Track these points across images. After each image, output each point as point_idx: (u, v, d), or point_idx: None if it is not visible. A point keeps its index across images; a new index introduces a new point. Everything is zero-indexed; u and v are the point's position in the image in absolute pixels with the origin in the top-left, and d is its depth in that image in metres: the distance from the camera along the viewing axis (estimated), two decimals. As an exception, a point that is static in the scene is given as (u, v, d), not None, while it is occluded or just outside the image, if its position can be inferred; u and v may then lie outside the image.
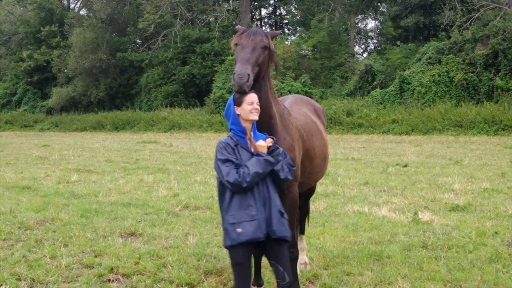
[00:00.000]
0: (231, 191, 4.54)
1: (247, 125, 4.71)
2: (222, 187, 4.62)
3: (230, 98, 4.76)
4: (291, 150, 5.17)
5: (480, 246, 7.16)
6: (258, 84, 4.90)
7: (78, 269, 6.42)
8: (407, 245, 7.27)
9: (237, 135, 4.70)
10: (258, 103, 4.72)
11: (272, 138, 4.72)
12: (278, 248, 4.57)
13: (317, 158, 5.83)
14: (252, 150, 4.65)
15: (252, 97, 4.68)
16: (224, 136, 4.88)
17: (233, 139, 4.67)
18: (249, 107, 4.64)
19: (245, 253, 4.48)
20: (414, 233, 7.94)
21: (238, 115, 4.69)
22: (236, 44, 4.94)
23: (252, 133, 4.74)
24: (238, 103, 4.67)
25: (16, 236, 7.88)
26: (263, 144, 4.61)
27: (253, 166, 4.47)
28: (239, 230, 4.42)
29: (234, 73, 4.60)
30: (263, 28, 55.67)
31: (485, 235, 7.70)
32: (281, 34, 5.42)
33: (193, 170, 15.61)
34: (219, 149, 4.61)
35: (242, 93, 4.61)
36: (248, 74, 4.57)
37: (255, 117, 4.68)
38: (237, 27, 5.33)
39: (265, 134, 4.79)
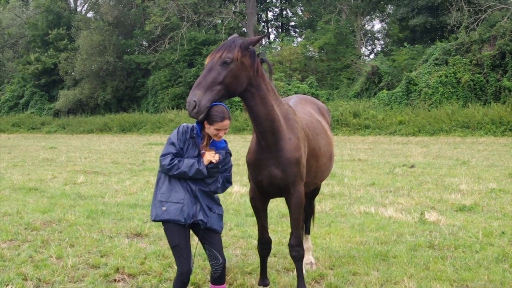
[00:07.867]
0: None
1: (208, 136, 4.81)
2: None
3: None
4: (297, 149, 5.14)
5: (487, 246, 7.13)
6: (249, 92, 4.83)
7: (84, 269, 6.43)
8: (414, 245, 7.25)
9: (198, 133, 4.80)
10: (227, 130, 4.77)
11: (222, 154, 4.81)
12: (211, 235, 4.83)
13: (322, 157, 5.80)
14: (201, 151, 4.77)
15: (223, 125, 4.68)
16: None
17: (194, 131, 4.80)
18: (215, 132, 4.72)
19: (179, 236, 4.71)
20: (421, 233, 7.92)
21: (204, 127, 4.74)
22: None
23: (210, 141, 4.83)
24: (210, 121, 4.65)
25: (23, 236, 7.91)
26: (208, 157, 4.71)
27: (185, 166, 4.67)
28: (163, 208, 4.68)
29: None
30: (268, 30, 55.71)
31: (492, 235, 7.68)
32: (262, 38, 5.29)
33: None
34: (178, 130, 4.80)
35: (196, 119, 4.59)
36: (195, 101, 4.43)
37: (217, 139, 4.79)
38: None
39: (225, 142, 4.92)
